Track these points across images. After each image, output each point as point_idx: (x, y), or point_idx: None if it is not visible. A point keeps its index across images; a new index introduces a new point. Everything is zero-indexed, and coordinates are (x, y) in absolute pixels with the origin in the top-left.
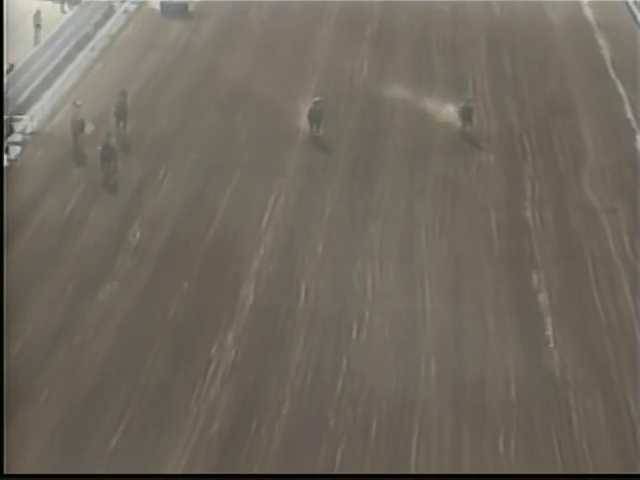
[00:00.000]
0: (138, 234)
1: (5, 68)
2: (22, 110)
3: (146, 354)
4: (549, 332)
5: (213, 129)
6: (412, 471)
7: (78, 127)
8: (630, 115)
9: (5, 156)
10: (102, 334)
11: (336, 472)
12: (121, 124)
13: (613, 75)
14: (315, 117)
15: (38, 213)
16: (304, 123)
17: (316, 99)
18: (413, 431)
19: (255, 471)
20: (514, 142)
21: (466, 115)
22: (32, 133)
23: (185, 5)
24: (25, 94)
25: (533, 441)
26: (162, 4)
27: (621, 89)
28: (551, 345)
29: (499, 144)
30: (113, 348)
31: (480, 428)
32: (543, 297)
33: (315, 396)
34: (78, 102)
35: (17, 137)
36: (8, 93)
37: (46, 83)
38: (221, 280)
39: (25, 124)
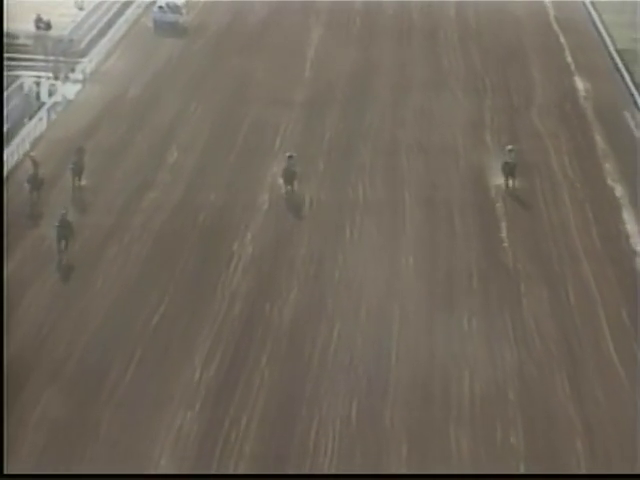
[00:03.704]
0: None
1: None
2: (83, 54)
3: (180, 251)
4: (503, 233)
5: None
6: (394, 345)
7: (37, 184)
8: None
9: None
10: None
11: (332, 347)
12: (76, 180)
13: (556, 27)
14: (289, 176)
15: (90, 139)
16: None
17: (289, 154)
18: (395, 314)
19: (269, 343)
20: (477, 81)
21: (508, 171)
22: (91, 73)
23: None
24: (85, 41)
25: (491, 321)
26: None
27: (562, 39)
28: (505, 244)
29: (466, 83)
30: (154, 246)
31: (448, 311)
32: (499, 205)
33: (317, 284)
34: (33, 153)
35: (78, 76)
36: (73, 41)
37: (101, 32)
38: (241, 192)
39: (85, 65)
